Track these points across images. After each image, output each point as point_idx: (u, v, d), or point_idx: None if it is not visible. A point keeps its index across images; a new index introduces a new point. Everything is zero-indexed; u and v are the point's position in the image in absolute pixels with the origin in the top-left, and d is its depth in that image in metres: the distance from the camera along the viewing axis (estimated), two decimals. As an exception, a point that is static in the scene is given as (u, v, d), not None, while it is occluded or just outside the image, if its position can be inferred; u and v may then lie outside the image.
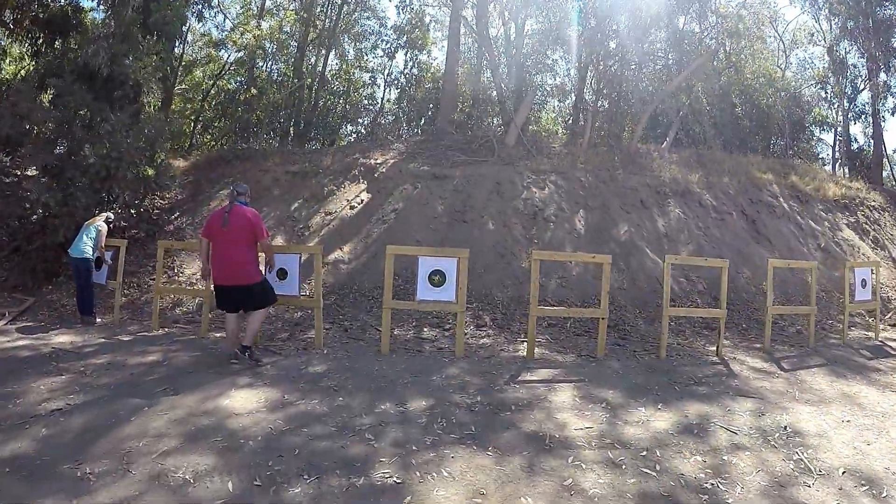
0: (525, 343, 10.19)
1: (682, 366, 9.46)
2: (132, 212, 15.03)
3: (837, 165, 26.07)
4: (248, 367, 8.29)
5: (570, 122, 22.28)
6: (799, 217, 18.58)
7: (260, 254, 8.57)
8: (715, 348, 10.64)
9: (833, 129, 25.51)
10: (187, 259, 14.27)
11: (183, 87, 23.02)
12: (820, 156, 26.37)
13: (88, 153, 13.68)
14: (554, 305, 12.32)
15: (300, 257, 9.69)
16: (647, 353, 10.22)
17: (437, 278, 9.02)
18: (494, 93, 19.79)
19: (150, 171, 15.07)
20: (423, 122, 20.07)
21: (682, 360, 9.96)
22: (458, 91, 19.48)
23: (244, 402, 6.92)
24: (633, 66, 20.29)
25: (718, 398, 7.68)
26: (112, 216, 12.20)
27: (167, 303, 12.51)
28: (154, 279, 13.68)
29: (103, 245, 11.56)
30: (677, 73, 20.34)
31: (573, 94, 22.63)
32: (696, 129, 19.85)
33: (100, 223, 11.72)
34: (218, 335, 10.35)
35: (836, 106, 26.01)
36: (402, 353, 9.32)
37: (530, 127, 19.07)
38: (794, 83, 25.21)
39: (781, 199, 18.88)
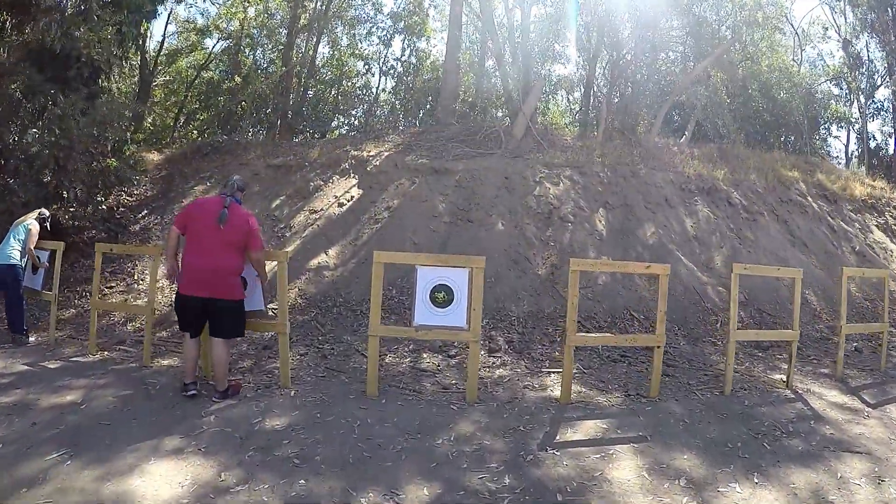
0: (553, 375, 7.52)
1: (755, 405, 7.07)
2: (88, 209, 12.28)
3: (854, 163, 23.54)
4: (186, 417, 5.93)
5: (580, 113, 19.67)
6: (829, 218, 16.12)
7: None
8: (781, 376, 8.36)
9: (846, 127, 23.07)
10: (147, 262, 11.57)
11: (166, 78, 20.41)
12: (832, 153, 23.90)
13: (32, 140, 10.98)
14: (579, 321, 9.61)
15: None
16: (705, 387, 7.74)
17: (441, 296, 6.35)
18: (499, 82, 17.16)
19: (113, 163, 12.81)
20: (421, 114, 17.41)
21: (749, 394, 7.55)
22: (460, 80, 16.80)
23: (161, 482, 4.58)
24: (647, 56, 17.68)
25: (820, 457, 5.64)
26: (46, 213, 9.53)
27: (118, 318, 9.80)
28: (111, 288, 11.05)
29: (32, 247, 8.89)
30: (693, 63, 17.82)
31: (582, 86, 20.06)
32: (715, 122, 17.27)
33: (30, 221, 9.20)
34: (165, 363, 7.77)
35: (850, 103, 23.60)
36: (395, 396, 6.67)
37: (538, 119, 16.35)
38: (807, 79, 22.62)
39: (810, 199, 16.33)
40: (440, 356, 8.12)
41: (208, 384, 6.81)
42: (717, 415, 6.62)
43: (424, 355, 8.13)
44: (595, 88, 19.72)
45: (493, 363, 8.01)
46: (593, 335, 6.97)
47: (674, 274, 11.56)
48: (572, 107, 21.77)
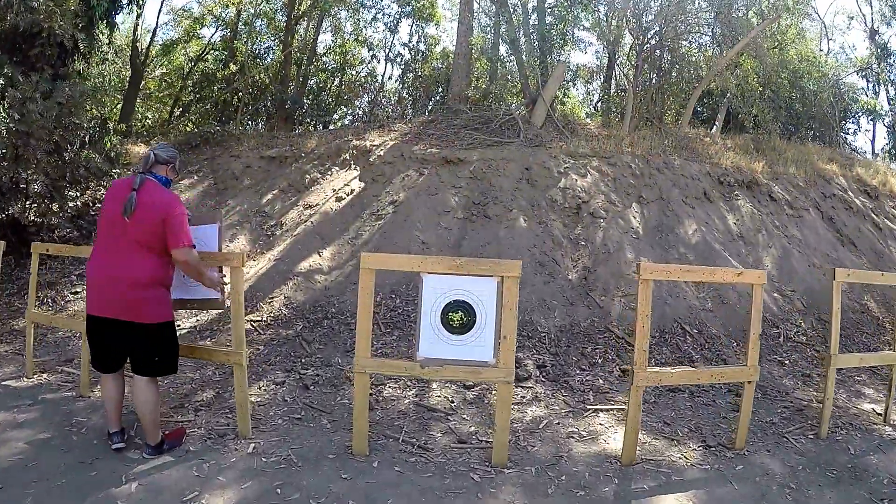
0: (602, 414, 5.45)
1: (862, 453, 5.25)
2: (53, 205, 10.32)
3: (882, 157, 21.32)
4: (102, 483, 4.02)
5: (604, 101, 17.52)
6: (874, 215, 13.96)
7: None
8: (872, 406, 6.64)
9: (875, 119, 20.83)
10: None
11: (162, 70, 18.41)
12: (859, 147, 21.69)
13: (-19, 125, 9.00)
14: (622, 336, 7.51)
15: (219, 228, 5.04)
16: (793, 426, 5.81)
17: (458, 317, 4.22)
18: (514, 69, 15.08)
19: (89, 155, 10.94)
20: (430, 105, 15.31)
21: (848, 435, 5.67)
22: (472, 66, 14.69)
23: None
24: (673, 41, 15.62)
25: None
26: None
27: (66, 332, 7.81)
28: (76, 294, 9.19)
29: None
30: (721, 49, 15.79)
31: (601, 75, 17.92)
32: (748, 111, 15.19)
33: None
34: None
35: (876, 94, 21.41)
36: (392, 455, 4.60)
37: (557, 107, 14.23)
38: (833, 69, 20.43)
39: (851, 194, 14.16)
40: (454, 387, 6.00)
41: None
42: (824, 472, 4.75)
43: (434, 386, 6.00)
44: (616, 76, 17.62)
45: (523, 398, 5.90)
46: (671, 371, 4.83)
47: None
48: (591, 97, 19.69)
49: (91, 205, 11.85)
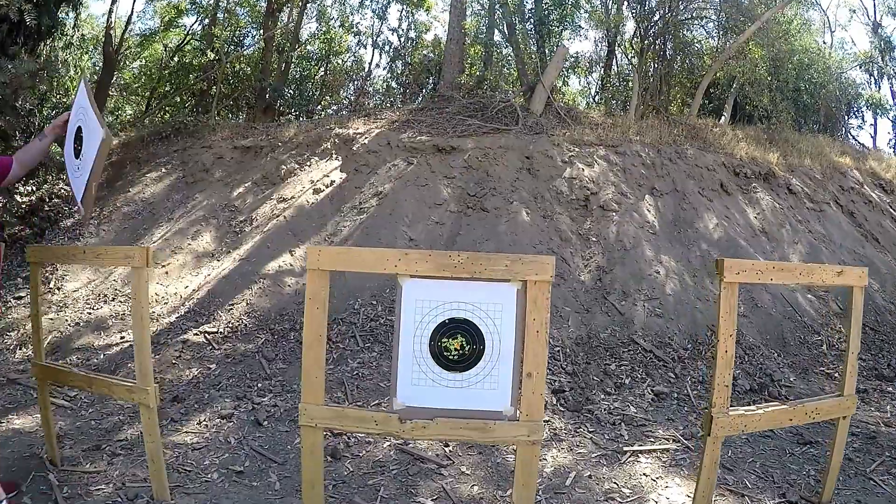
0: (644, 457, 3.98)
1: None
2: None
3: (886, 151, 20.01)
4: None
5: (604, 88, 16.03)
6: (892, 210, 12.62)
7: None
8: None
9: (880, 113, 19.45)
10: (74, 267, 8.16)
11: (140, 62, 16.80)
12: (862, 141, 20.37)
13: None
14: (650, 350, 6.05)
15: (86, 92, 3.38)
16: (871, 460, 4.53)
17: (456, 344, 2.66)
18: (510, 57, 13.57)
19: (53, 148, 9.07)
20: (421, 97, 13.78)
21: None
22: (465, 52, 13.17)
23: None
24: (673, 28, 14.26)
25: None
26: None
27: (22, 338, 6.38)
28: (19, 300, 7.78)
29: None
30: (726, 37, 14.51)
31: (600, 65, 16.43)
32: (758, 101, 13.81)
33: None
34: (17, 424, 4.33)
35: (878, 88, 20.07)
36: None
37: (557, 95, 12.74)
38: (838, 63, 19.09)
39: (867, 188, 12.79)
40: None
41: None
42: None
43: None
44: (617, 63, 16.18)
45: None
46: (757, 412, 3.32)
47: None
48: (589, 88, 18.17)
49: (47, 200, 10.35)
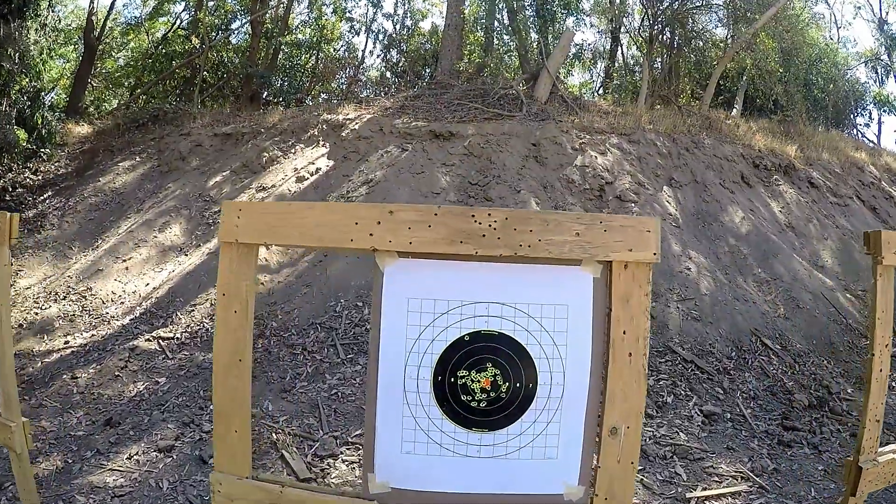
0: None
1: None
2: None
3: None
4: None
5: (610, 77, 14.93)
6: (912, 206, 11.52)
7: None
8: None
9: (887, 110, 18.42)
10: (31, 261, 7.25)
11: (126, 53, 15.60)
12: (867, 137, 19.44)
13: None
14: (690, 360, 4.90)
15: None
16: None
17: (484, 380, 1.46)
18: (512, 43, 12.42)
19: (21, 135, 9.40)
20: (417, 85, 12.58)
21: None
22: (464, 38, 12.04)
23: None
24: (686, 16, 13.24)
25: None
26: None
27: None
28: None
29: None
30: (739, 26, 13.48)
31: (603, 57, 15.33)
32: (767, 93, 12.79)
33: None
34: None
35: (883, 85, 19.06)
36: None
37: (561, 84, 11.61)
38: (846, 59, 18.15)
39: (885, 184, 11.75)
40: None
41: None
42: None
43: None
44: (623, 52, 15.09)
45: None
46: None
47: (792, 276, 7.01)
48: (594, 79, 17.01)
49: (10, 189, 9.21)
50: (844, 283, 7.50)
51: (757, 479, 3.51)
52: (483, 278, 1.48)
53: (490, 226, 1.42)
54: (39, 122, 9.97)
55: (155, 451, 3.45)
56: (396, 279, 1.47)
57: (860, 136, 17.48)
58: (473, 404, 1.48)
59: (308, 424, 3.74)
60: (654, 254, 1.46)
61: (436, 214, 1.41)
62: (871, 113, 18.51)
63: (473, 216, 1.42)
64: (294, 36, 13.46)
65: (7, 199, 8.92)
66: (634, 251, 1.45)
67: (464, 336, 1.48)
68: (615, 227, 1.47)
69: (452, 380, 1.49)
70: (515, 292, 1.47)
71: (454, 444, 1.48)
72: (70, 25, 15.65)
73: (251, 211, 1.57)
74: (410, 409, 1.48)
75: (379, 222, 1.44)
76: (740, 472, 3.55)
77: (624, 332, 1.42)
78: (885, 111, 17.94)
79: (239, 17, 13.13)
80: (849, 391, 5.32)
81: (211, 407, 4.01)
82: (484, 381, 1.48)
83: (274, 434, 3.52)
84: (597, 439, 1.47)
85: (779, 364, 5.30)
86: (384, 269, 1.44)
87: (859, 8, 19.79)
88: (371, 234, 1.44)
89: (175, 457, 3.38)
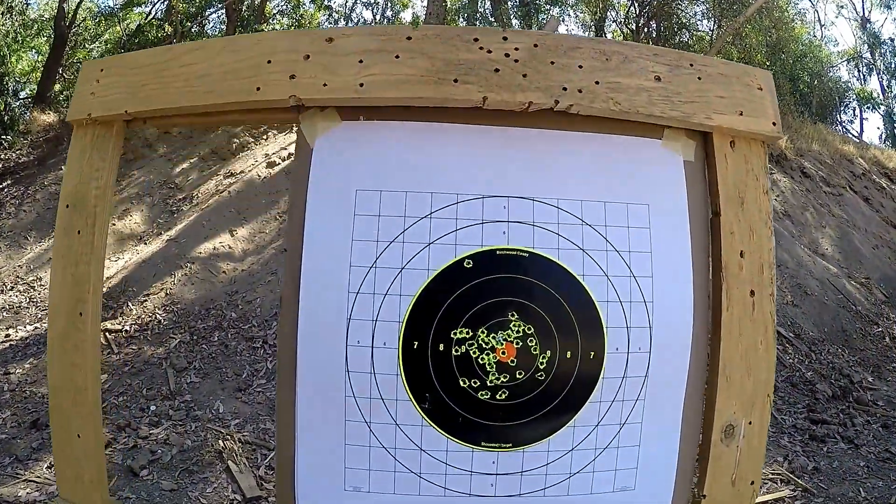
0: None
1: None
2: None
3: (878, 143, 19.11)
4: None
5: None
6: (900, 198, 11.38)
7: None
8: None
9: (870, 107, 18.42)
10: None
11: (99, 45, 14.90)
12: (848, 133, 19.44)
13: None
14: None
15: None
16: None
17: (507, 347, 0.82)
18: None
19: None
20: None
21: None
22: (447, 25, 11.55)
23: None
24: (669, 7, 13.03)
25: None
26: None
27: None
28: None
29: None
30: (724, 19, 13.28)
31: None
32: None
33: None
34: None
35: (865, 83, 19.05)
36: None
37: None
38: (830, 57, 18.15)
39: (875, 177, 11.56)
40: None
41: None
42: None
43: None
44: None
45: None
46: None
47: (797, 263, 6.65)
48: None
49: None
50: (847, 270, 7.14)
51: (798, 479, 2.96)
52: (496, 154, 0.83)
53: (508, 55, 0.79)
54: (1, 108, 9.40)
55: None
56: (335, 158, 0.83)
57: (844, 132, 17.42)
58: (483, 395, 0.82)
59: (263, 429, 3.09)
60: (774, 123, 0.85)
61: (409, 38, 0.79)
62: (854, 110, 18.42)
63: (477, 39, 0.80)
64: (271, 25, 12.83)
65: None
66: (746, 116, 0.84)
67: (462, 260, 0.82)
68: (712, 74, 0.85)
69: (441, 347, 0.83)
70: (556, 180, 0.83)
71: (446, 472, 0.82)
72: (43, 16, 14.94)
73: (116, 67, 0.93)
74: (359, 408, 0.82)
75: (307, 56, 0.81)
76: (779, 475, 3.01)
77: (742, 255, 0.82)
78: (868, 107, 17.83)
79: (214, 4, 12.46)
80: (869, 380, 4.87)
81: (152, 407, 3.36)
82: (503, 349, 0.82)
83: (221, 441, 2.86)
84: (706, 436, 0.85)
85: (794, 353, 4.83)
86: (315, 140, 0.81)
87: (842, 7, 19.62)
88: (292, 77, 0.81)
89: (112, 467, 2.74)
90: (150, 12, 14.46)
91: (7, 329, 4.91)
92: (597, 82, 0.81)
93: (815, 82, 15.85)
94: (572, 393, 0.84)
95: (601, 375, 0.84)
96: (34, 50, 14.58)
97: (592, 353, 0.84)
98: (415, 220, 0.82)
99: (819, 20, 19.49)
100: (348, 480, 0.84)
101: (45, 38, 15.35)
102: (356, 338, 0.82)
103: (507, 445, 0.86)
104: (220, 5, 12.15)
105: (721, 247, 0.83)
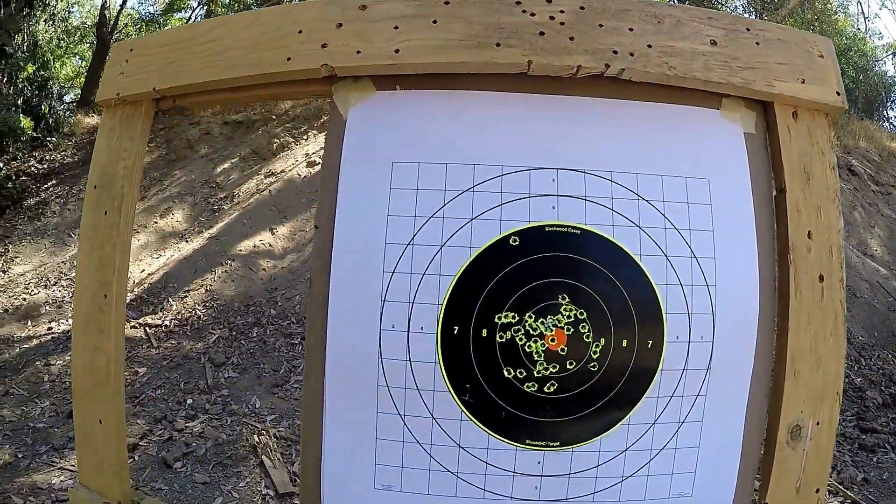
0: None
1: None
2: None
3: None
4: None
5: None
6: (954, 199, 10.86)
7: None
8: None
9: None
10: (28, 248, 6.70)
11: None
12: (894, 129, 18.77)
13: None
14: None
15: None
16: None
17: (556, 333, 0.73)
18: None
19: (21, 121, 8.67)
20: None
21: None
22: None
23: None
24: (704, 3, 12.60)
25: None
26: None
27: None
28: None
29: None
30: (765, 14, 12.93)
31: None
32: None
33: None
34: None
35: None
36: None
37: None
38: (871, 50, 17.51)
39: (925, 176, 11.07)
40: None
41: None
42: None
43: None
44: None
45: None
46: None
47: (846, 264, 6.27)
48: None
49: (14, 178, 8.85)
50: (897, 271, 6.86)
51: (847, 491, 2.81)
52: (544, 123, 0.76)
53: (553, 18, 0.73)
54: (46, 110, 9.71)
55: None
56: (370, 129, 0.77)
57: (892, 128, 16.86)
58: (529, 387, 0.75)
59: (299, 425, 3.08)
60: (838, 93, 0.78)
61: (447, 3, 0.73)
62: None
63: (519, 2, 0.73)
64: None
65: (9, 186, 8.56)
66: (808, 84, 0.76)
67: (508, 237, 0.75)
68: (770, 39, 0.78)
69: (484, 333, 0.75)
70: (608, 151, 0.76)
71: (486, 472, 0.75)
72: (86, 23, 15.38)
73: (144, 46, 0.91)
74: (393, 399, 0.76)
75: (340, 24, 0.75)
76: (829, 485, 2.86)
77: (809, 236, 0.75)
78: (908, 103, 17.22)
79: (253, 7, 12.66)
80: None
81: (189, 401, 3.38)
82: (552, 336, 0.75)
83: (256, 436, 2.85)
84: (772, 436, 0.76)
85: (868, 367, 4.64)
86: (348, 112, 0.76)
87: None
88: (324, 46, 0.75)
89: (137, 458, 2.74)
90: (189, 17, 14.78)
91: (50, 322, 5.02)
92: (649, 46, 0.74)
93: (861, 77, 15.36)
94: (628, 387, 0.76)
95: (659, 367, 0.76)
96: (78, 56, 15.03)
97: (650, 343, 0.75)
98: (456, 194, 0.75)
99: (862, 13, 18.83)
100: (379, 478, 0.78)
101: (88, 45, 15.85)
102: (391, 322, 0.75)
103: (555, 444, 0.78)
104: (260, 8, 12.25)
105: (788, 226, 0.76)
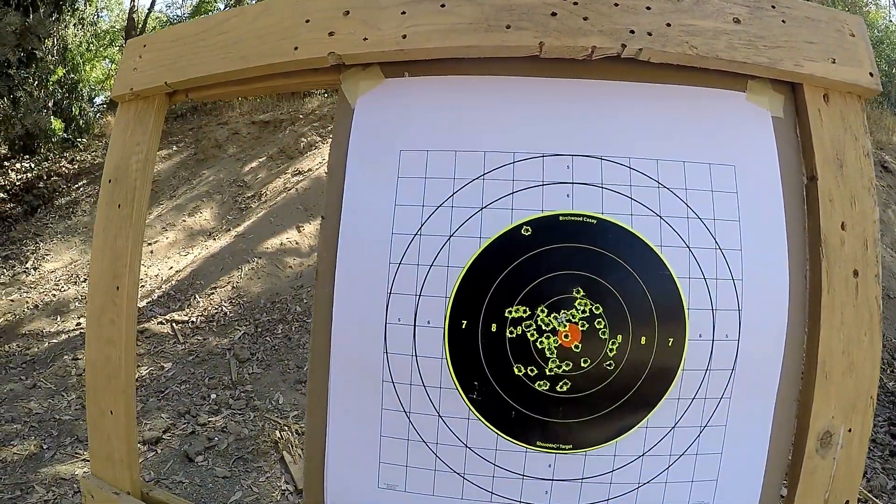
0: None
1: None
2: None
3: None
4: None
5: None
6: None
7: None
8: None
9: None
10: (59, 246, 6.91)
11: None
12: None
13: None
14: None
15: None
16: None
17: (571, 329, 0.68)
18: None
19: (52, 123, 8.99)
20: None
21: None
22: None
23: None
24: None
25: None
26: None
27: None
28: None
29: None
30: None
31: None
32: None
33: None
34: None
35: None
36: None
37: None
38: None
39: (961, 173, 10.67)
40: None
41: None
42: None
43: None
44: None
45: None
46: None
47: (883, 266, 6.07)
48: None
49: (45, 178, 9.05)
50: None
51: (877, 500, 2.73)
52: (558, 108, 0.73)
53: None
54: (77, 112, 9.90)
55: (139, 442, 2.84)
56: (378, 117, 0.75)
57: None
58: (541, 385, 0.72)
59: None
60: (871, 74, 0.74)
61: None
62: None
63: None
64: None
65: (41, 186, 8.76)
66: (839, 65, 0.72)
67: (520, 227, 0.72)
68: (798, 17, 0.73)
69: (494, 328, 0.72)
70: (626, 136, 0.73)
71: (494, 474, 0.72)
72: (115, 27, 15.69)
73: (157, 42, 0.90)
74: (398, 395, 0.73)
75: (347, 12, 0.74)
76: (860, 494, 2.77)
77: (843, 228, 0.70)
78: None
79: None
80: None
81: (213, 396, 3.39)
82: (566, 332, 0.71)
83: (278, 432, 2.84)
84: (800, 441, 0.72)
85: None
86: (357, 100, 0.74)
87: (917, -9, 18.40)
88: (331, 34, 0.73)
89: (159, 451, 2.77)
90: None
91: (79, 318, 5.14)
92: (668, 24, 0.70)
93: (894, 71, 14.94)
94: (646, 387, 0.72)
95: (681, 367, 0.72)
96: (108, 59, 15.36)
97: (671, 340, 0.71)
98: (465, 183, 0.72)
99: (894, 4, 18.36)
100: (383, 477, 0.76)
101: (118, 48, 16.20)
102: (397, 315, 0.73)
103: (567, 447, 0.74)
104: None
105: (820, 216, 0.71)
